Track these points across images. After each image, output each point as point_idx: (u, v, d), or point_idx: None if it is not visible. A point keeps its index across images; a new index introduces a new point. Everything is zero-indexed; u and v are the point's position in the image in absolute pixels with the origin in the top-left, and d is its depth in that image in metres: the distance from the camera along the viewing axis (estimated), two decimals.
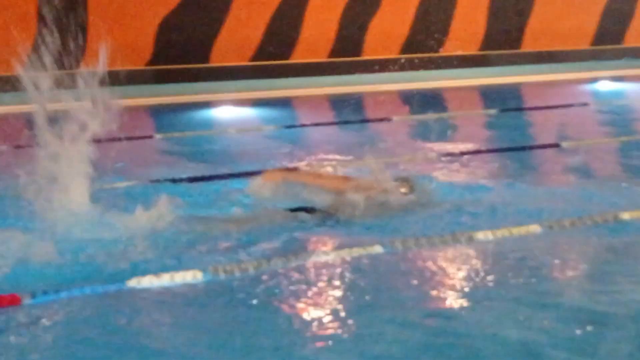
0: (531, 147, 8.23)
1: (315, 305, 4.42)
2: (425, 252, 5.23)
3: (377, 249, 5.17)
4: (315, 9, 13.90)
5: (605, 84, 12.90)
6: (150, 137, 9.46)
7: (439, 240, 5.42)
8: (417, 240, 5.36)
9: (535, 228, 5.63)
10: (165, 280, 4.69)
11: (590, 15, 15.37)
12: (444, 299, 4.56)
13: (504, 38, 14.96)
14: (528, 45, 15.08)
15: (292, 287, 4.66)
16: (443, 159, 7.76)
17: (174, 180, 6.89)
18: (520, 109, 11.34)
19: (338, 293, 4.64)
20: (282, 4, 13.75)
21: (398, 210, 5.82)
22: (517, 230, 5.60)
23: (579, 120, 10.27)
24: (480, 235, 5.49)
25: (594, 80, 13.14)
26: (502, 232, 5.58)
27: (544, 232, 5.58)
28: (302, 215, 5.63)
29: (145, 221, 5.47)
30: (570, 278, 4.89)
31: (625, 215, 5.86)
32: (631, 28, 15.65)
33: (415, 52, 14.48)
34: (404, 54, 14.43)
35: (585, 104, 11.18)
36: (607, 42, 15.53)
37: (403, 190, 5.88)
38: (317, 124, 10.04)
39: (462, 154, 7.93)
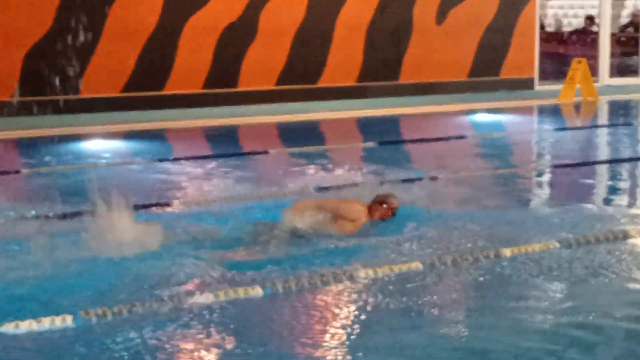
0: (405, 180, 8.04)
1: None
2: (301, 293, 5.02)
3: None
4: (189, 38, 13.57)
5: (482, 115, 12.91)
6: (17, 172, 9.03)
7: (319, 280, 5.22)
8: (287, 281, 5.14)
9: (416, 265, 5.47)
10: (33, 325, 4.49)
11: (467, 47, 15.44)
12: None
13: (382, 69, 14.89)
14: (406, 76, 15.04)
15: None
16: (319, 192, 7.53)
17: (44, 217, 6.58)
18: (398, 142, 11.20)
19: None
20: (155, 33, 13.39)
21: None
22: (397, 268, 5.43)
23: (455, 152, 10.17)
24: (362, 273, 5.36)
25: (472, 112, 13.15)
26: (383, 270, 5.39)
27: (426, 268, 5.41)
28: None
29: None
30: (449, 313, 4.79)
31: (506, 252, 5.72)
32: (507, 60, 15.79)
33: (292, 84, 14.29)
34: (280, 85, 14.21)
35: (462, 137, 11.10)
36: (483, 74, 15.62)
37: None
38: (191, 157, 9.69)
39: (339, 187, 7.70)
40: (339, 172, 8.69)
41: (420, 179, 8.10)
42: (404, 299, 4.99)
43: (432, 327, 4.58)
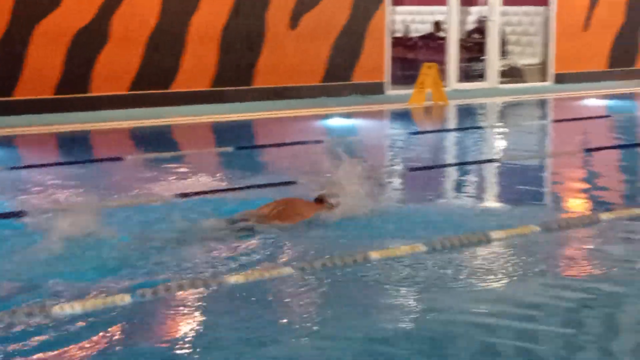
0: (267, 185, 8.05)
1: None
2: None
3: None
4: (39, 43, 13.22)
5: (337, 120, 13.03)
6: None
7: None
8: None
9: (288, 270, 5.48)
10: None
11: (320, 52, 15.57)
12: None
13: (236, 74, 14.86)
14: (260, 81, 15.05)
15: None
16: (178, 199, 7.44)
17: None
18: (256, 147, 11.20)
19: None
20: (4, 37, 13.00)
21: None
22: (268, 273, 5.43)
23: (314, 156, 10.22)
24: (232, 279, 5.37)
25: (326, 116, 13.26)
26: (254, 275, 5.37)
27: (296, 273, 5.42)
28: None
29: None
30: (297, 320, 4.81)
31: (375, 254, 5.79)
32: (358, 65, 16.00)
33: (145, 89, 14.10)
34: (133, 90, 14.01)
35: (319, 141, 11.17)
36: (336, 79, 15.78)
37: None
38: (43, 165, 9.42)
39: (197, 194, 7.64)
40: (196, 177, 8.62)
41: (279, 184, 8.10)
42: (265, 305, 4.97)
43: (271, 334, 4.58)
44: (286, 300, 5.19)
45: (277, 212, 6.41)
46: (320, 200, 6.68)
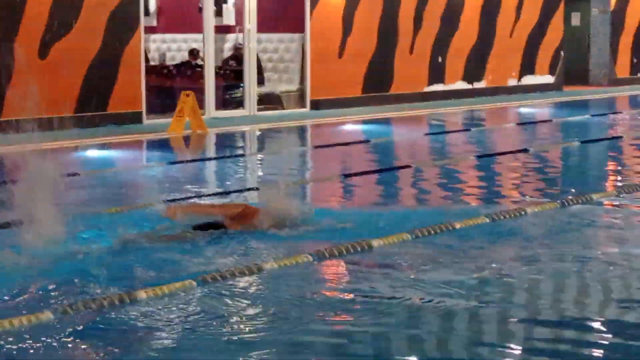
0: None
1: None
2: None
3: None
4: None
5: (93, 151, 12.53)
6: None
7: None
8: None
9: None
10: None
11: (72, 81, 14.99)
12: None
13: None
14: (9, 113, 14.28)
15: None
16: None
17: None
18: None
19: None
20: None
21: None
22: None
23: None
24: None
25: (82, 148, 12.71)
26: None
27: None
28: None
29: None
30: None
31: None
32: (114, 94, 15.53)
33: None
34: None
35: (75, 174, 10.58)
36: (91, 109, 15.21)
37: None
38: None
39: None
40: None
41: None
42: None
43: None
44: None
45: (242, 213, 7.23)
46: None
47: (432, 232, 7.17)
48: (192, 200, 8.66)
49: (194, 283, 5.76)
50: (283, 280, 6.00)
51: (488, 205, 8.59)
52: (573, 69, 25.27)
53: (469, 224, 7.46)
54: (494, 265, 6.34)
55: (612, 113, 18.63)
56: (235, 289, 5.78)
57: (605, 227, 7.70)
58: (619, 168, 11.58)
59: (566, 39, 24.42)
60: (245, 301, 5.60)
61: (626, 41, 25.99)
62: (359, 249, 6.66)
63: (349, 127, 15.92)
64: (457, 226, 7.35)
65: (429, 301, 5.54)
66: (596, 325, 5.16)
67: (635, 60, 26.29)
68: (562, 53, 23.81)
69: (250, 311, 5.43)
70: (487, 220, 7.59)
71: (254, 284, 5.97)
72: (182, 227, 7.07)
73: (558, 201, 8.35)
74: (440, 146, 14.00)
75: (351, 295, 5.73)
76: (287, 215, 7.15)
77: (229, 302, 5.55)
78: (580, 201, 8.43)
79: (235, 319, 5.29)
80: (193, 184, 10.21)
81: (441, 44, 21.13)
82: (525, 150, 12.21)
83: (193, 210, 7.60)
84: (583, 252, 6.72)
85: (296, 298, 5.63)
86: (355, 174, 10.50)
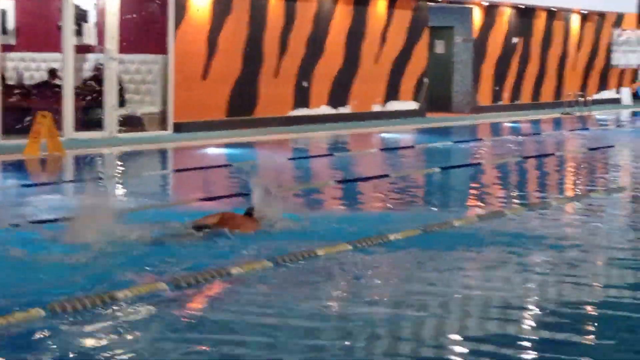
0: None
1: None
2: None
3: None
4: None
5: None
6: None
7: None
8: None
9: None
10: None
11: None
12: None
13: None
14: None
15: None
16: None
17: None
18: None
19: None
20: None
21: None
22: None
23: None
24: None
25: None
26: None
27: None
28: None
29: None
30: None
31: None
32: None
33: None
34: None
35: None
36: None
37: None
38: None
39: None
40: None
41: None
42: None
43: None
44: None
45: (234, 222, 8.02)
46: (249, 214, 8.22)
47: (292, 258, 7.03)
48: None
49: None
50: None
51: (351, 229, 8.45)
52: (437, 96, 25.66)
53: (332, 251, 7.34)
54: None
55: (474, 140, 18.92)
56: None
57: (465, 251, 7.66)
58: (478, 193, 11.68)
59: (430, 66, 24.78)
60: None
61: (488, 70, 26.53)
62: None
63: (211, 150, 15.68)
64: (320, 253, 7.28)
65: None
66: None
67: (496, 89, 26.86)
68: (425, 80, 24.12)
69: None
70: (351, 247, 7.51)
71: None
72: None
73: (419, 228, 8.32)
74: (302, 171, 13.89)
75: None
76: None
77: None
78: (442, 227, 8.43)
79: None
80: (42, 206, 9.78)
81: (306, 68, 21.13)
82: (385, 176, 12.20)
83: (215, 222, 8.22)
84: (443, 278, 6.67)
85: None
86: (210, 199, 10.28)
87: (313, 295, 6.25)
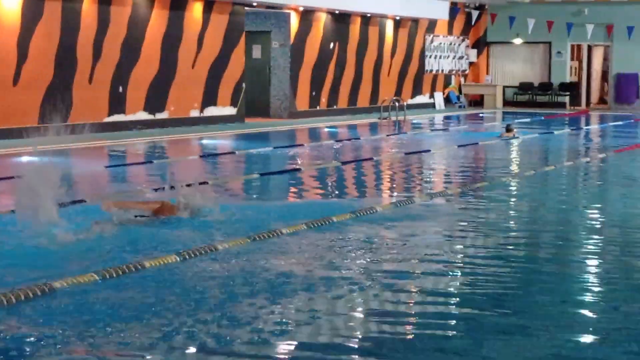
0: None
1: None
2: None
3: None
4: None
5: None
6: None
7: None
8: None
9: None
10: None
11: None
12: None
13: None
14: None
15: None
16: None
17: None
18: None
19: None
20: None
21: None
22: None
23: None
24: None
25: None
26: None
27: None
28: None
29: None
30: None
31: None
32: None
33: None
34: None
35: None
36: None
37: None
38: None
39: None
40: None
41: None
42: None
43: None
44: None
45: (161, 207, 9.07)
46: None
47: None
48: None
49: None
50: None
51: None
52: (255, 101, 25.64)
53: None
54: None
55: (293, 145, 18.94)
56: None
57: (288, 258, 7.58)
58: (300, 201, 11.66)
59: (248, 71, 24.73)
60: None
61: (305, 74, 26.70)
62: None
63: (23, 159, 15.06)
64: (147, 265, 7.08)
65: None
66: None
67: (314, 94, 27.06)
68: (243, 85, 24.05)
69: None
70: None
71: None
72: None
73: (249, 237, 8.24)
74: (119, 179, 13.53)
75: None
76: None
77: None
78: (266, 236, 8.36)
79: None
80: None
81: (122, 74, 20.69)
82: (205, 183, 12.01)
83: (123, 205, 9.15)
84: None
85: None
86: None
87: None
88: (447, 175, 14.53)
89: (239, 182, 13.15)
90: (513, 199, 11.89)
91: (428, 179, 14.11)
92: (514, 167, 15.82)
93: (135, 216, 8.95)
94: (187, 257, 7.48)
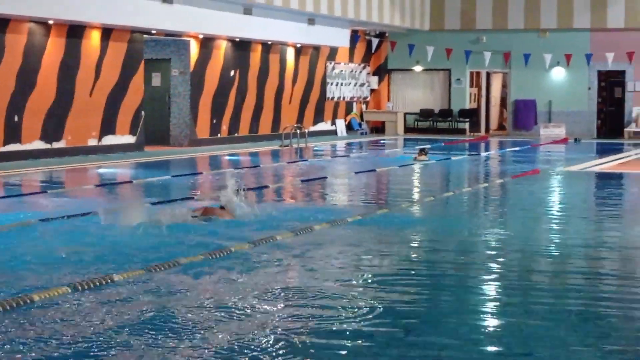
0: None
1: None
2: None
3: None
4: None
5: None
6: None
7: None
8: None
9: None
10: None
11: None
12: None
13: None
14: None
15: None
16: None
17: None
18: None
19: None
20: None
21: None
22: None
23: None
24: None
25: None
26: None
27: None
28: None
29: None
30: None
31: None
32: None
33: None
34: None
35: None
36: None
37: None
38: None
39: None
40: None
41: None
42: None
43: None
44: None
45: (217, 212, 11.28)
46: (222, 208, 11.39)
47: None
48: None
49: None
50: None
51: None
52: (155, 129, 25.35)
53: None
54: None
55: (193, 174, 18.72)
56: None
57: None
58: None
59: (147, 99, 24.45)
60: None
61: (206, 102, 26.51)
62: None
63: None
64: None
65: None
66: None
67: (214, 121, 26.88)
68: (142, 113, 23.76)
69: None
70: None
71: None
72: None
73: (144, 269, 8.06)
74: (8, 211, 13.13)
75: None
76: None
77: None
78: (165, 267, 8.21)
79: None
80: None
81: (17, 103, 20.23)
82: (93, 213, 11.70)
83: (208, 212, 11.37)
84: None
85: None
86: None
87: None
88: (351, 200, 14.51)
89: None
90: (412, 225, 11.88)
91: (327, 206, 14.03)
92: (415, 194, 15.89)
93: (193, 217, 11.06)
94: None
